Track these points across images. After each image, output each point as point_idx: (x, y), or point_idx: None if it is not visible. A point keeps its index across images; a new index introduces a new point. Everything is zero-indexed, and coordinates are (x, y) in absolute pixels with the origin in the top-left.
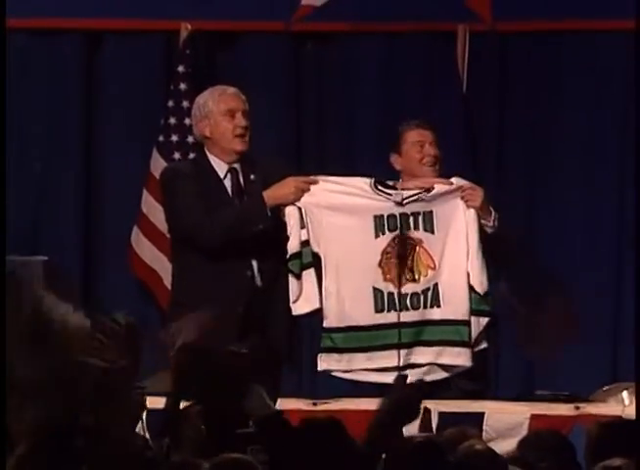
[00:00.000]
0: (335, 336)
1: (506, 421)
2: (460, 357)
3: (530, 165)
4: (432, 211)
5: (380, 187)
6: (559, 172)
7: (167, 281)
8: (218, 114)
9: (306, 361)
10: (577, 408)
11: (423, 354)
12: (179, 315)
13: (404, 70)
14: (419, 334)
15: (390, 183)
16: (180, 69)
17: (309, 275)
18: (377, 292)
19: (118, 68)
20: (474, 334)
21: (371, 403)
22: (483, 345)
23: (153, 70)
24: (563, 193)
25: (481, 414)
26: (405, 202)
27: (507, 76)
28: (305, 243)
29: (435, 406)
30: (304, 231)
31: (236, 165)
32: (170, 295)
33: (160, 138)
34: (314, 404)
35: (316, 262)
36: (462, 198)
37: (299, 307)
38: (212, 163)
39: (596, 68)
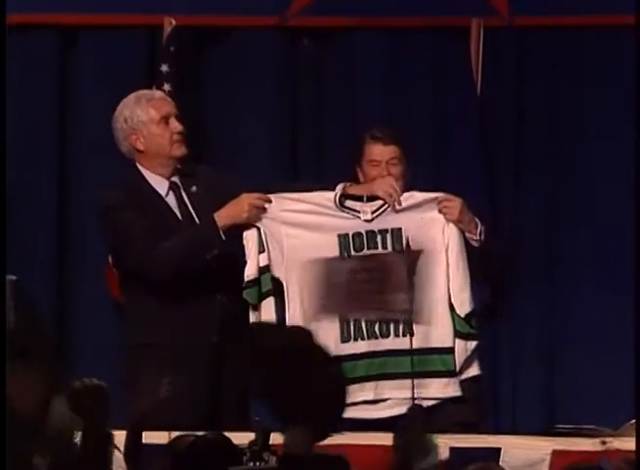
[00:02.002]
0: None
1: (525, 457)
2: (448, 388)
3: (551, 173)
4: (400, 229)
5: (346, 203)
6: (582, 179)
7: None
8: (151, 122)
9: None
10: (604, 443)
11: (398, 388)
12: (143, 359)
13: (411, 69)
14: (391, 365)
15: (354, 193)
16: (164, 68)
17: (268, 305)
18: (342, 321)
19: (95, 67)
20: (461, 359)
21: (374, 438)
22: (474, 371)
23: (133, 69)
24: (586, 199)
25: (497, 450)
26: (374, 216)
27: (526, 76)
28: (265, 268)
29: (447, 441)
30: (263, 255)
31: (175, 179)
32: (126, 338)
33: None
34: None
35: (276, 290)
36: (439, 211)
37: None
38: (149, 179)
39: (622, 65)
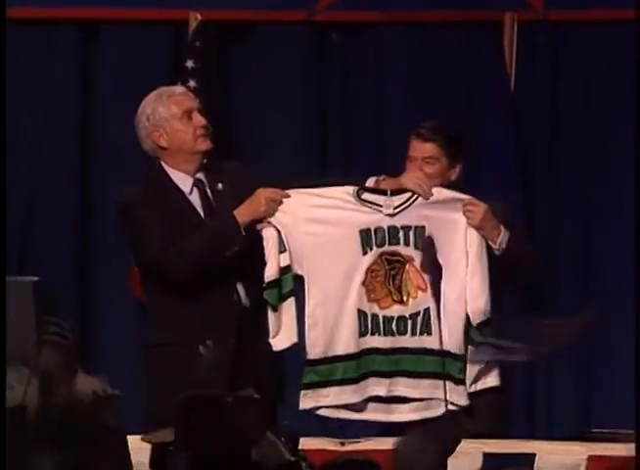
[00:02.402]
0: (320, 369)
1: (560, 463)
2: (454, 394)
3: (585, 170)
4: (424, 227)
5: (364, 196)
6: (618, 179)
7: None
8: (173, 118)
9: None
10: None
11: (412, 387)
12: (159, 360)
13: (442, 65)
14: (406, 363)
15: (377, 187)
16: (189, 64)
17: (289, 306)
18: (360, 314)
19: (119, 63)
20: (474, 369)
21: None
22: (491, 382)
23: (158, 65)
24: (620, 195)
25: (532, 455)
26: (396, 211)
27: (560, 71)
28: (286, 269)
29: (480, 447)
30: (284, 255)
31: (200, 176)
32: (145, 338)
33: None
34: (342, 444)
35: (297, 291)
36: (463, 213)
37: (280, 343)
38: (173, 177)
39: None
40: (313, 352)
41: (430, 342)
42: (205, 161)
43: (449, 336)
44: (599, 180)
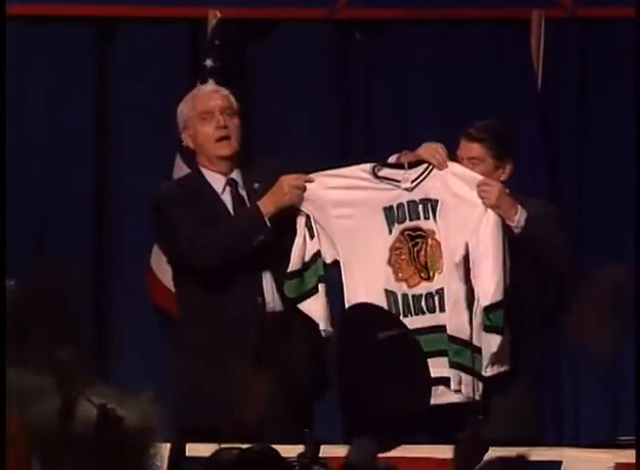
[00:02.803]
0: None
1: None
2: (462, 385)
3: (615, 170)
4: (437, 200)
5: (382, 173)
6: None
7: None
8: (194, 119)
9: None
10: None
11: (439, 366)
12: (186, 358)
13: (468, 64)
14: (437, 342)
15: (395, 162)
16: (208, 62)
17: (320, 294)
18: (389, 294)
19: (135, 62)
20: (485, 355)
21: (425, 451)
22: (499, 368)
23: (176, 64)
24: None
25: (558, 463)
26: (413, 184)
27: (589, 71)
28: (316, 255)
29: (504, 454)
30: (314, 241)
31: (235, 175)
32: (176, 336)
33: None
34: None
35: (327, 276)
36: (478, 194)
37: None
38: (207, 177)
39: None
40: None
41: (444, 320)
42: (237, 160)
43: (458, 321)
44: (628, 180)
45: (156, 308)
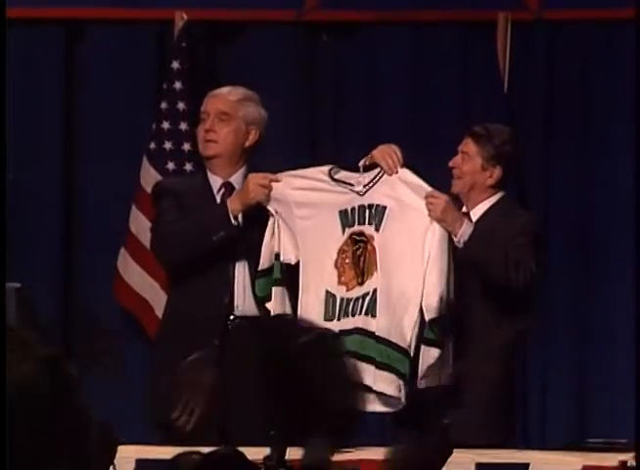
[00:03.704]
0: None
1: None
2: (390, 387)
3: (582, 172)
4: (385, 207)
5: (338, 176)
6: (614, 181)
7: (160, 312)
8: (200, 119)
9: None
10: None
11: (366, 372)
12: (158, 352)
13: (435, 66)
14: (361, 346)
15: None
16: (175, 65)
17: (280, 294)
18: (329, 296)
19: (103, 64)
20: (423, 366)
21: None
22: (433, 383)
23: (143, 66)
24: (620, 201)
25: (526, 465)
26: (365, 189)
27: (556, 73)
28: (276, 256)
29: (473, 457)
30: (275, 242)
31: (233, 179)
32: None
33: (152, 145)
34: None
35: (285, 278)
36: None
37: None
38: (209, 177)
39: None
40: None
41: (375, 325)
42: (239, 164)
43: (395, 326)
44: (595, 182)
45: (123, 311)
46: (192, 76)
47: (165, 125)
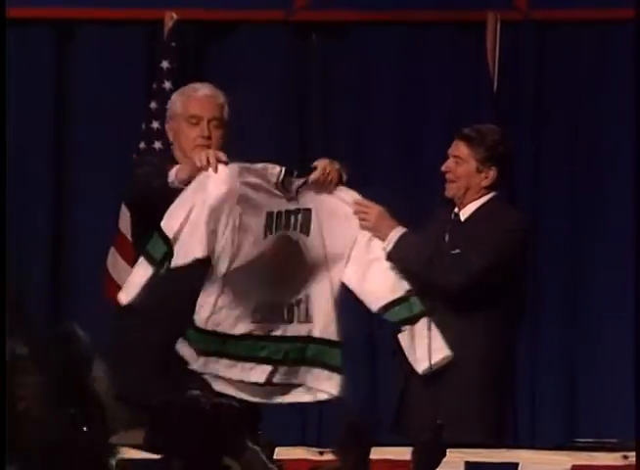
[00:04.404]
0: (191, 334)
1: None
2: (326, 383)
3: (571, 172)
4: (310, 210)
5: (286, 181)
6: (603, 181)
7: None
8: (182, 118)
9: (312, 408)
10: (626, 458)
11: (294, 375)
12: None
13: (424, 66)
14: (291, 351)
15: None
16: (164, 64)
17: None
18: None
19: (93, 64)
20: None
21: (381, 453)
22: (440, 354)
23: (133, 65)
24: (609, 203)
25: (515, 465)
26: (295, 194)
27: (545, 73)
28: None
29: (462, 456)
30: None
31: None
32: None
33: (142, 145)
34: (320, 454)
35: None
36: (355, 213)
37: None
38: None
39: None
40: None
41: (307, 329)
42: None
43: (327, 323)
44: (584, 182)
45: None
46: (181, 76)
47: (155, 125)
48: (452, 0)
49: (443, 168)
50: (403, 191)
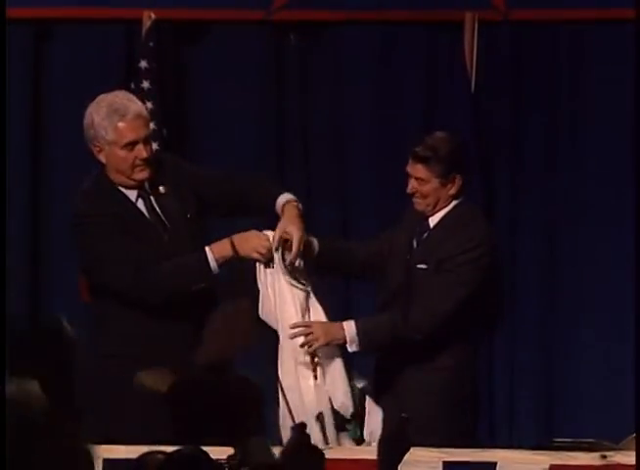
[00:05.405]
0: None
1: None
2: None
3: (549, 173)
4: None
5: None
6: (581, 182)
7: None
8: (115, 144)
9: None
10: (604, 457)
11: None
12: (111, 368)
13: (403, 66)
14: None
15: None
16: (142, 64)
17: None
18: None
19: (71, 63)
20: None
21: (364, 452)
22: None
23: (111, 65)
24: (585, 201)
25: (493, 465)
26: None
27: (522, 73)
28: None
29: (440, 455)
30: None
31: (145, 185)
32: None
33: None
34: None
35: None
36: (296, 336)
37: None
38: (117, 185)
39: (622, 61)
40: None
41: None
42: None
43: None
44: (562, 183)
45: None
46: (160, 76)
47: None
48: (430, 0)
49: (409, 191)
50: (380, 190)
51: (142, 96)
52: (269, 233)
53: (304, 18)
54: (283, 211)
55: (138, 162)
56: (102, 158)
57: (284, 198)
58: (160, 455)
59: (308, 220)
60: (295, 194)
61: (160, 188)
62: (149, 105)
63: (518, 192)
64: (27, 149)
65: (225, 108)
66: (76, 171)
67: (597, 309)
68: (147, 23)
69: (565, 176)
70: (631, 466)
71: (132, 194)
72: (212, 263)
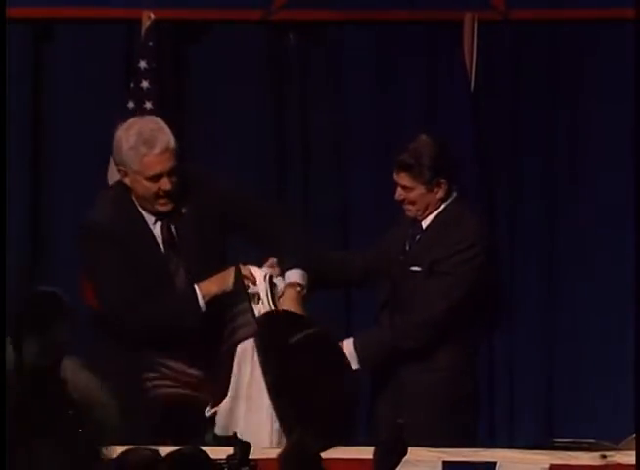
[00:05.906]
0: None
1: None
2: None
3: (549, 172)
4: None
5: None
6: (581, 180)
7: None
8: (140, 175)
9: None
10: (604, 458)
11: None
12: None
13: (402, 65)
14: None
15: None
16: (142, 64)
17: None
18: None
19: (70, 63)
20: None
21: (358, 452)
22: None
23: (110, 65)
24: (586, 198)
25: (493, 465)
26: None
27: (521, 72)
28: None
29: (440, 455)
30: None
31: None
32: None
33: None
34: None
35: None
36: None
37: None
38: (138, 206)
39: (621, 59)
40: None
41: None
42: None
43: None
44: (562, 181)
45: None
46: (159, 75)
47: None
48: (430, 0)
49: (397, 198)
50: (380, 191)
51: (141, 96)
52: (254, 269)
53: (304, 17)
54: (284, 291)
55: (161, 193)
56: (127, 181)
57: (290, 276)
58: (145, 452)
59: (308, 220)
60: (295, 194)
61: (183, 209)
62: (148, 104)
63: (517, 192)
64: (27, 149)
65: (224, 107)
66: (76, 172)
67: (597, 309)
68: (146, 23)
69: (565, 176)
70: (631, 466)
71: (150, 218)
72: (201, 302)
